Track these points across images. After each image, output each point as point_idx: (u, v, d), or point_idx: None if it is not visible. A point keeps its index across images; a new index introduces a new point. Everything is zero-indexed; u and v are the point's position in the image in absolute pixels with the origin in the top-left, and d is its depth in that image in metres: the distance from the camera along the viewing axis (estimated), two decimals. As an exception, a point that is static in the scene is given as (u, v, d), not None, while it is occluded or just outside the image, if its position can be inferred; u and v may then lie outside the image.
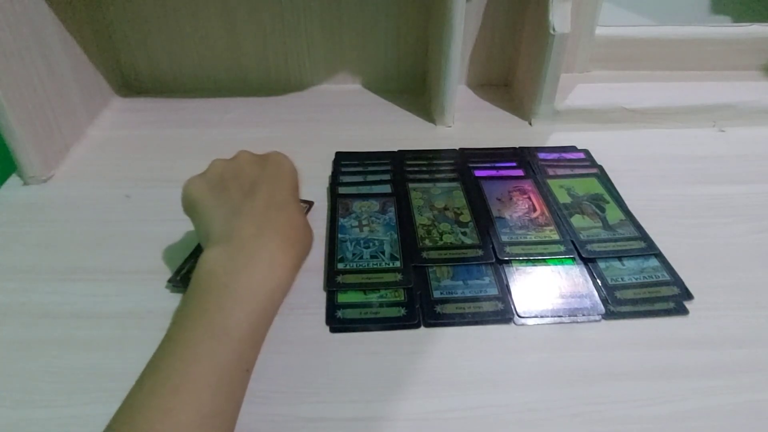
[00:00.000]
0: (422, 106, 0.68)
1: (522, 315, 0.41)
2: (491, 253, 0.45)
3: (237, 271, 0.31)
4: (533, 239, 0.47)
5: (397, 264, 0.44)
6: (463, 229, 0.48)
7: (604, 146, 0.60)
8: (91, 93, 0.63)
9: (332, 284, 0.43)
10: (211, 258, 0.32)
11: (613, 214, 0.50)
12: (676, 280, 0.43)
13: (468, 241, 0.47)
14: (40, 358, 0.38)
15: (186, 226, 0.48)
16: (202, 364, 0.28)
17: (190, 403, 0.26)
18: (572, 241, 0.47)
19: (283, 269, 0.33)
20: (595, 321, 0.41)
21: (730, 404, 0.35)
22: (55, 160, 0.56)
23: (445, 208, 0.50)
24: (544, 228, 0.48)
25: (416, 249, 0.46)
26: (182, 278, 0.43)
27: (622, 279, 0.43)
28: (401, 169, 0.56)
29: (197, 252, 0.45)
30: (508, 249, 0.46)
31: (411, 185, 0.53)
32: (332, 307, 0.41)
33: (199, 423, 0.26)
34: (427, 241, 0.47)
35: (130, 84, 0.70)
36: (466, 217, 0.49)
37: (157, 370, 0.28)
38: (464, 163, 0.57)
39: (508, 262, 0.45)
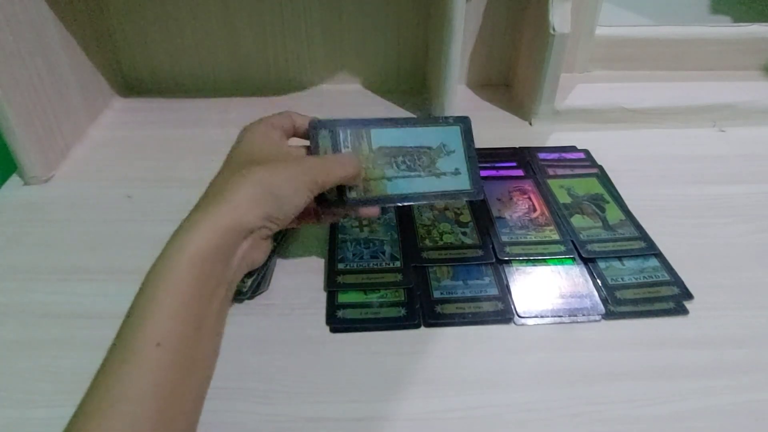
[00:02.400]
0: (422, 106, 0.68)
1: (522, 315, 0.41)
2: (491, 253, 0.45)
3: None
4: (533, 239, 0.47)
5: (398, 264, 0.44)
6: (463, 229, 0.48)
7: (604, 146, 0.60)
8: (91, 93, 0.63)
9: (333, 284, 0.43)
10: None
11: (613, 214, 0.50)
12: (676, 280, 0.43)
13: (468, 241, 0.47)
14: (41, 358, 0.38)
15: (186, 226, 0.48)
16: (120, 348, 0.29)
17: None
18: (572, 241, 0.47)
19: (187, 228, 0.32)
20: (595, 321, 0.41)
21: (730, 404, 0.35)
22: (56, 160, 0.56)
23: (445, 208, 0.50)
24: (544, 228, 0.48)
25: (416, 249, 0.46)
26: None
27: (622, 279, 0.43)
28: (401, 169, 0.56)
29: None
30: (508, 249, 0.46)
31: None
32: (332, 307, 0.41)
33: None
34: (427, 242, 0.47)
35: (131, 84, 0.70)
36: (466, 217, 0.49)
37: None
38: (464, 163, 0.57)
39: (508, 262, 0.45)
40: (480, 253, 0.45)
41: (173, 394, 0.28)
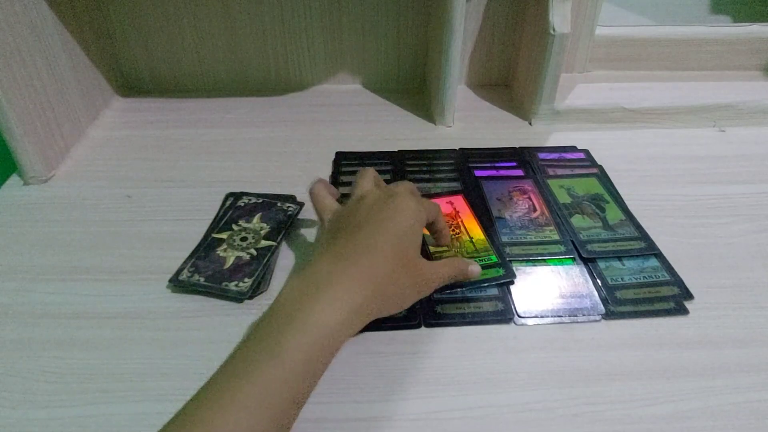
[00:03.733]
0: (422, 106, 0.68)
1: (522, 315, 0.41)
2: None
3: (301, 303, 0.31)
4: (533, 239, 0.47)
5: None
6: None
7: (604, 146, 0.60)
8: (91, 93, 0.63)
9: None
10: (287, 288, 0.33)
11: (613, 214, 0.50)
12: (676, 280, 0.43)
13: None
14: (40, 358, 0.38)
15: (186, 225, 0.49)
16: (249, 384, 0.28)
17: (229, 421, 0.27)
18: (572, 241, 0.47)
19: (349, 310, 0.32)
20: (595, 321, 0.41)
21: (730, 404, 0.35)
22: (56, 160, 0.56)
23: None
24: (544, 228, 0.48)
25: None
26: (182, 279, 0.43)
27: (622, 279, 0.43)
28: (401, 169, 0.56)
29: (198, 252, 0.45)
30: (508, 249, 0.46)
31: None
32: (332, 307, 0.41)
33: None
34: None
35: (130, 84, 0.70)
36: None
37: (210, 383, 0.29)
38: (464, 163, 0.57)
39: (508, 262, 0.45)
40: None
41: None
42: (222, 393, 0.28)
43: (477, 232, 0.47)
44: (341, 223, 0.38)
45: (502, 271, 0.43)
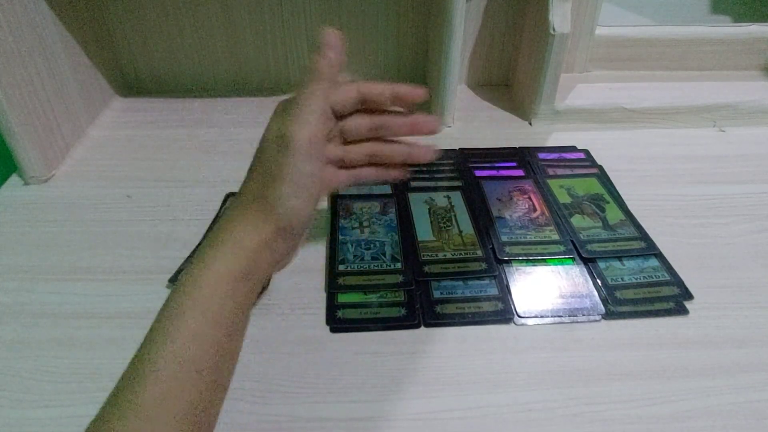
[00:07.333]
0: (422, 106, 0.68)
1: (522, 315, 0.41)
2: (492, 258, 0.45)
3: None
4: (533, 239, 0.47)
5: (398, 266, 0.44)
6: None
7: (604, 146, 0.60)
8: (91, 93, 0.63)
9: (334, 286, 0.43)
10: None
11: (613, 214, 0.50)
12: (676, 280, 0.43)
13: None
14: (40, 358, 0.38)
15: (186, 225, 0.49)
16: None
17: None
18: (572, 241, 0.47)
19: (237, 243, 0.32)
20: (595, 321, 0.41)
21: (730, 404, 0.35)
22: (56, 160, 0.56)
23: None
24: (544, 228, 0.48)
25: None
26: (182, 278, 0.43)
27: (622, 279, 0.43)
28: (401, 169, 0.56)
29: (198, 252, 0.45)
30: (508, 249, 0.46)
31: (411, 185, 0.53)
32: (332, 307, 0.41)
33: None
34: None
35: (130, 84, 0.70)
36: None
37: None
38: (464, 163, 0.57)
39: (508, 262, 0.45)
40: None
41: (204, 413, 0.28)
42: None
43: (468, 227, 0.48)
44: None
45: (484, 266, 0.44)
